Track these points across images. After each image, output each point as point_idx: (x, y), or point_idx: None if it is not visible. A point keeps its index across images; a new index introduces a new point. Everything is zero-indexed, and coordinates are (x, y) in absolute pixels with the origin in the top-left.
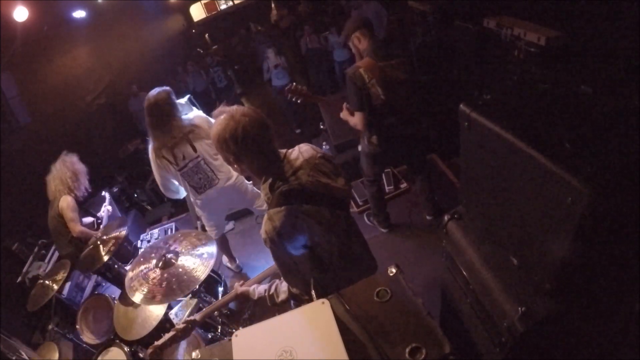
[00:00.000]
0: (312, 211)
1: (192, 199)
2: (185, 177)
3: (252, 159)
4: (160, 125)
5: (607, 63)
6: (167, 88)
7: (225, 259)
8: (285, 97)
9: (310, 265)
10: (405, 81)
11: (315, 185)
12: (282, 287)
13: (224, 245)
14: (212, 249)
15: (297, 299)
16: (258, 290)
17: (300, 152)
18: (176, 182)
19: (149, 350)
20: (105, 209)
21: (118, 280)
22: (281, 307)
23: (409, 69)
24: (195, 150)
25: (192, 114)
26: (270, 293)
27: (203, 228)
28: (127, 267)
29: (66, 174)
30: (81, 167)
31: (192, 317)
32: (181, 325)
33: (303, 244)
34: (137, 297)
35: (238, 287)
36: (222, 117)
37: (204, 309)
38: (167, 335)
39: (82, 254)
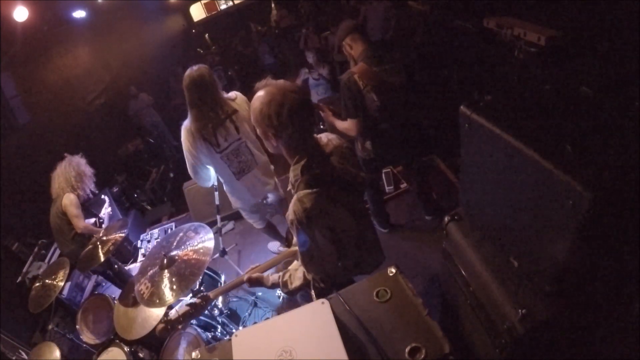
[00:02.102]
0: (340, 196)
1: (227, 188)
2: (225, 160)
3: (292, 135)
4: (204, 103)
5: (607, 63)
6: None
7: (272, 245)
8: None
9: (330, 251)
10: (401, 86)
11: (344, 172)
12: (298, 274)
13: (271, 231)
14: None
15: (312, 286)
16: (272, 277)
17: (329, 138)
18: (209, 167)
19: (160, 325)
20: (106, 211)
21: (118, 278)
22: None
23: (404, 73)
24: (238, 131)
25: (233, 93)
26: (284, 280)
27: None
28: (128, 267)
29: (71, 173)
30: (87, 170)
31: (206, 293)
32: (196, 300)
33: (328, 228)
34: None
35: (253, 269)
36: (266, 90)
37: (216, 289)
38: (180, 310)
39: (82, 253)
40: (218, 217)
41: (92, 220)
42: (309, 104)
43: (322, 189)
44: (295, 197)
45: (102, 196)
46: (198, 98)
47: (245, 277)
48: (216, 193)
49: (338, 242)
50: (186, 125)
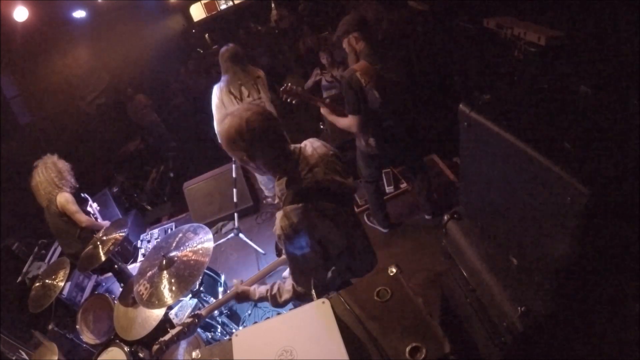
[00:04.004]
0: (327, 208)
1: None
2: None
3: (264, 153)
4: (239, 68)
5: (607, 63)
6: None
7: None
8: (280, 97)
9: (320, 262)
10: (402, 83)
11: (330, 183)
12: (286, 287)
13: None
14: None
15: (301, 299)
16: (259, 290)
17: (314, 147)
18: None
19: (155, 347)
20: (94, 206)
21: (120, 276)
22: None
23: (405, 71)
24: (259, 92)
25: (257, 67)
26: (273, 293)
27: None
28: (130, 266)
29: (51, 175)
30: (63, 165)
31: (198, 312)
32: (188, 320)
33: (316, 241)
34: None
35: (238, 286)
36: (230, 116)
37: (207, 306)
38: (173, 331)
39: (82, 253)
40: (235, 215)
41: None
42: (268, 116)
43: (307, 203)
44: (281, 212)
45: (82, 195)
46: (230, 64)
47: (232, 293)
48: (235, 190)
49: (326, 254)
50: (218, 85)
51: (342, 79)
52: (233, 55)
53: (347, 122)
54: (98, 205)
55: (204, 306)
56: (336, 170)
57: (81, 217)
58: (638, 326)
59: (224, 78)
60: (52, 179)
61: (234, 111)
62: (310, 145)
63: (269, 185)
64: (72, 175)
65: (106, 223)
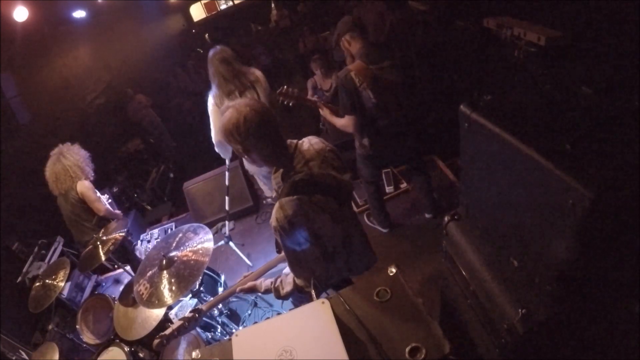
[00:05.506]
0: (322, 201)
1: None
2: None
3: (259, 148)
4: (230, 73)
5: (607, 63)
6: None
7: None
8: (277, 100)
9: (317, 255)
10: (397, 83)
11: (326, 177)
12: (288, 279)
13: None
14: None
15: (302, 291)
16: (265, 283)
17: (311, 143)
18: None
19: (156, 341)
20: (105, 197)
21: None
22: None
23: (401, 72)
24: (259, 97)
25: (253, 68)
26: (276, 285)
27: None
28: (127, 268)
29: (80, 160)
30: (85, 153)
31: (198, 307)
32: (189, 315)
33: (312, 233)
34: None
35: (244, 282)
36: (228, 110)
37: (209, 301)
38: (174, 325)
39: (82, 253)
40: (227, 223)
41: None
42: (266, 113)
43: (303, 196)
44: (277, 204)
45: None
46: (221, 70)
47: (238, 289)
48: (227, 198)
49: (323, 247)
50: (211, 93)
51: (336, 79)
52: (222, 59)
53: (342, 122)
54: (110, 198)
55: None
56: (332, 166)
57: (100, 206)
58: (638, 326)
59: (215, 84)
60: (80, 164)
61: (235, 104)
62: (308, 142)
63: (268, 185)
64: (91, 165)
65: (119, 213)
